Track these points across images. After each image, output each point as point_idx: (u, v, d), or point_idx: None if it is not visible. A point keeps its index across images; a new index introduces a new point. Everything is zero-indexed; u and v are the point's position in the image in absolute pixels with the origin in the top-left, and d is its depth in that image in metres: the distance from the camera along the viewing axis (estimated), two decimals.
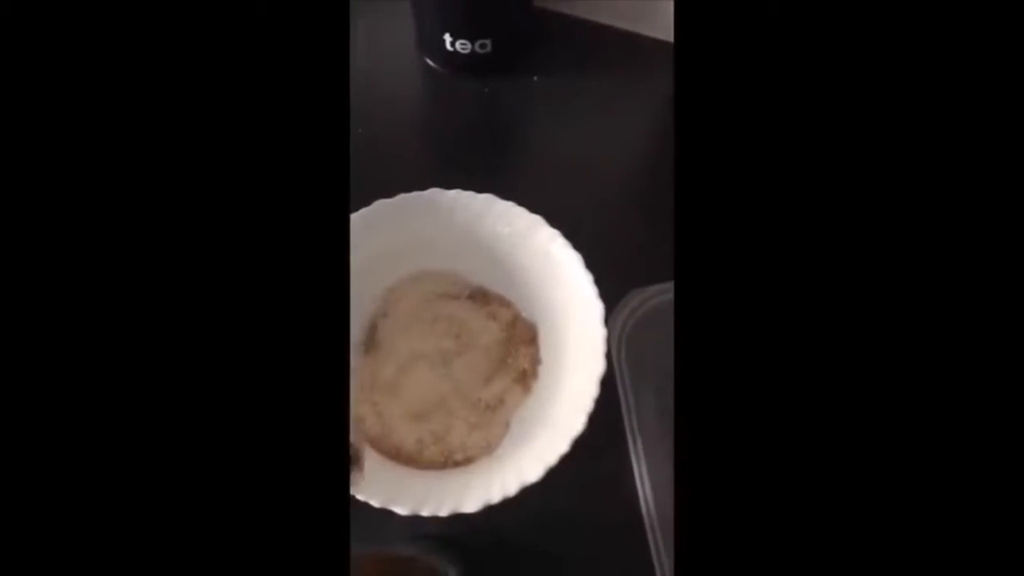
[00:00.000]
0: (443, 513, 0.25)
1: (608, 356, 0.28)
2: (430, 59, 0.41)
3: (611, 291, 0.30)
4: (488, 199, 0.32)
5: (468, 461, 0.29)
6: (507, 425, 0.31)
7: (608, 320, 0.30)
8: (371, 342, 0.32)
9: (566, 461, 0.26)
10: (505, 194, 0.32)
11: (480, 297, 0.34)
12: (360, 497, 0.25)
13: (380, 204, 0.31)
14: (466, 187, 0.32)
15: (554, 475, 0.26)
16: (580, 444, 0.26)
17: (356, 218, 0.31)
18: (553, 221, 0.31)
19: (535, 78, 0.41)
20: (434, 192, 0.32)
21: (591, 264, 0.30)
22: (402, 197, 0.31)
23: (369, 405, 0.31)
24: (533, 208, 0.32)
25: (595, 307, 0.29)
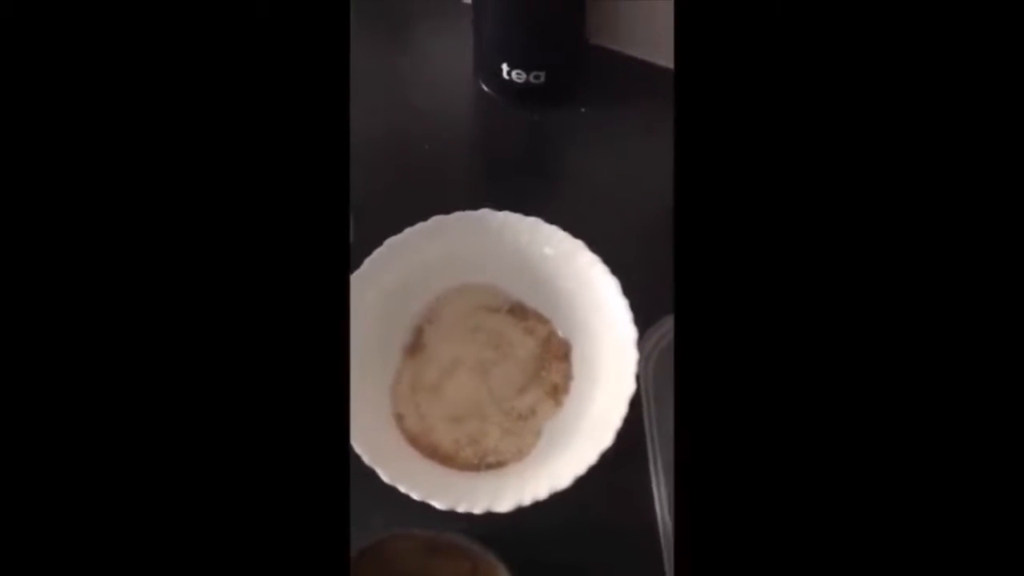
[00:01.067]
0: (477, 511, 0.27)
1: (636, 376, 0.30)
2: (486, 85, 0.44)
3: (645, 315, 0.32)
4: (535, 222, 0.34)
5: (500, 464, 0.32)
6: (538, 434, 0.33)
7: (639, 342, 0.32)
8: (416, 345, 0.35)
9: (591, 472, 0.28)
10: (550, 217, 0.35)
11: (519, 312, 0.36)
12: (402, 489, 0.28)
13: (436, 220, 0.34)
14: (514, 209, 0.34)
15: (579, 485, 0.28)
16: (604, 457, 0.28)
17: (415, 231, 0.33)
18: (594, 246, 0.34)
19: (583, 109, 0.44)
20: (485, 212, 0.34)
21: (628, 289, 0.32)
22: (456, 215, 0.34)
23: (411, 404, 0.33)
24: (576, 233, 0.34)
25: (629, 332, 0.31)
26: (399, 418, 0.33)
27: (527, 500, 0.28)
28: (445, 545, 0.25)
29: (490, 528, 0.28)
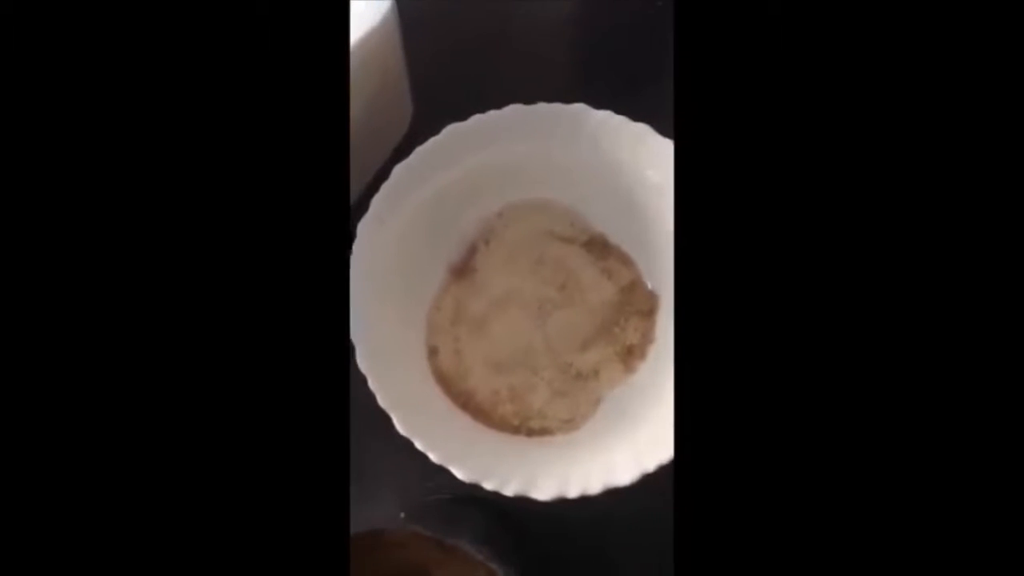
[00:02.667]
0: (508, 492, 0.21)
1: None
2: None
3: None
4: (643, 130, 0.26)
5: (545, 432, 0.25)
6: (598, 402, 0.26)
7: None
8: (466, 267, 0.28)
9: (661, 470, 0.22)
10: (667, 130, 0.26)
11: (599, 247, 0.28)
12: (418, 445, 0.22)
13: (513, 110, 0.26)
14: (621, 111, 0.26)
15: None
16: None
17: (485, 120, 0.26)
18: None
19: None
20: (579, 108, 0.26)
21: None
22: (541, 106, 0.26)
23: (449, 338, 0.27)
24: None
25: None
26: (432, 352, 0.26)
27: (572, 492, 0.21)
28: (451, 547, 0.20)
29: (513, 503, 0.22)
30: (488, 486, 0.21)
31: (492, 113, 0.26)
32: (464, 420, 0.25)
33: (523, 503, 0.21)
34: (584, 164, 0.27)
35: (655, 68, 0.33)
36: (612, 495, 0.21)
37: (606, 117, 0.26)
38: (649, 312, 0.27)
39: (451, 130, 0.26)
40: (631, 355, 0.27)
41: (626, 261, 0.28)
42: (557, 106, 0.26)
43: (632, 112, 0.26)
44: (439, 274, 0.28)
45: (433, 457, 0.22)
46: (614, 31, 0.34)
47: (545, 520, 0.25)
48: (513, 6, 0.33)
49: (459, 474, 0.21)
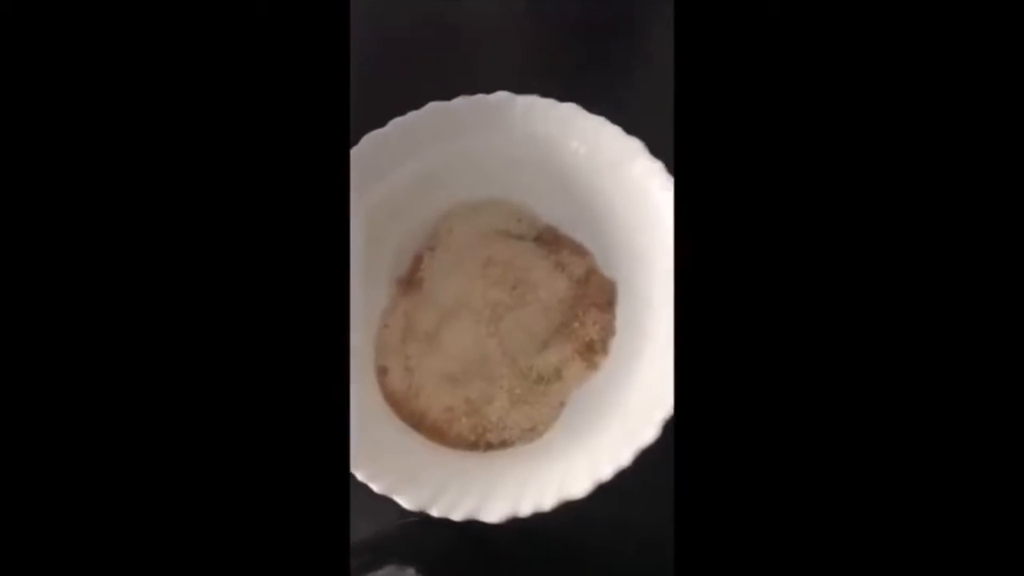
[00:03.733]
0: (456, 517, 0.20)
1: None
2: None
3: None
4: (572, 110, 0.24)
5: (504, 445, 0.24)
6: (562, 406, 0.24)
7: None
8: (412, 280, 0.27)
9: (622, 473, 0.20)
10: (599, 107, 0.24)
11: (550, 241, 0.27)
12: (359, 477, 0.20)
13: (433, 108, 0.24)
14: (550, 94, 0.24)
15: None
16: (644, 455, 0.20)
17: (402, 123, 0.24)
18: (658, 150, 0.23)
19: None
20: (502, 97, 0.24)
21: None
22: (462, 100, 0.24)
23: (400, 356, 0.25)
24: (633, 129, 0.24)
25: None
26: (381, 372, 0.25)
27: (525, 510, 0.20)
28: None
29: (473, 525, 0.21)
30: (435, 513, 0.20)
31: (411, 114, 0.24)
32: (416, 441, 0.23)
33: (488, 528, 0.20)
34: (520, 156, 0.25)
35: (587, 40, 0.31)
36: (597, 504, 0.19)
37: (531, 102, 0.24)
38: (608, 303, 0.25)
39: (372, 137, 0.24)
40: (592, 351, 0.25)
41: (580, 251, 0.26)
42: (478, 97, 0.24)
43: (559, 94, 0.24)
44: (385, 291, 0.26)
45: (375, 488, 0.20)
46: (561, 24, 0.32)
47: (524, 541, 0.24)
48: (463, 3, 0.32)
49: (404, 503, 0.20)
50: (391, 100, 0.25)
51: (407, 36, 0.32)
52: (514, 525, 0.20)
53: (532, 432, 0.24)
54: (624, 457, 0.20)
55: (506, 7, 0.33)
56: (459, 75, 0.28)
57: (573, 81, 0.26)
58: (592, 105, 0.24)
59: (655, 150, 0.23)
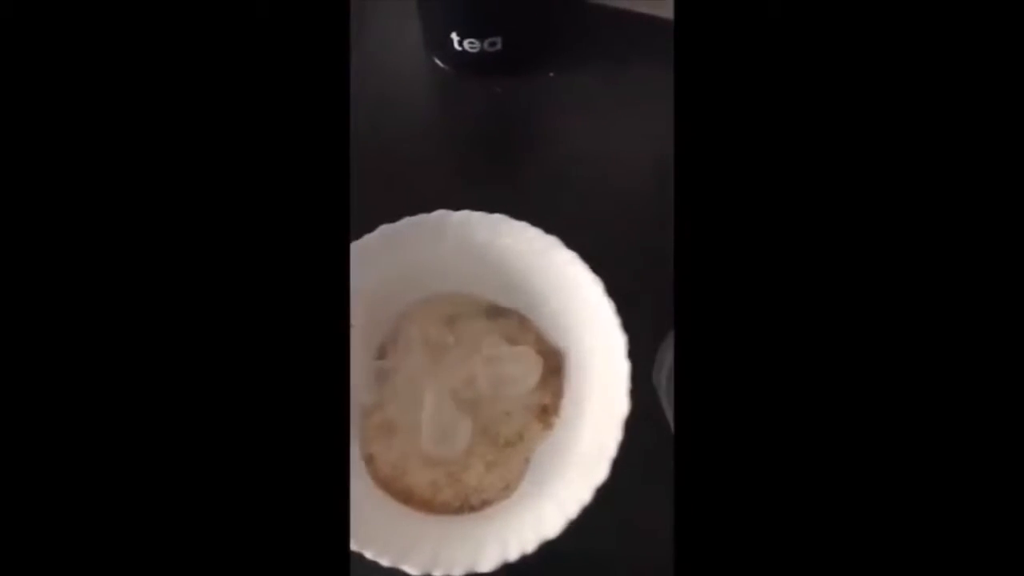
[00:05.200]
0: (457, 573, 0.23)
1: (654, 390, 0.26)
2: (438, 59, 0.39)
3: (657, 319, 0.27)
4: (498, 220, 0.29)
5: (485, 505, 0.28)
6: (526, 461, 0.29)
7: (659, 349, 0.28)
8: (382, 373, 0.31)
9: (600, 502, 0.24)
10: (521, 205, 0.30)
11: (496, 315, 0.31)
12: (368, 555, 0.24)
13: (384, 230, 0.29)
14: (479, 198, 0.30)
15: (587, 515, 0.24)
16: (619, 480, 0.24)
17: (362, 245, 0.29)
18: (575, 237, 0.29)
19: (551, 74, 0.38)
20: (441, 215, 0.29)
21: (619, 289, 0.27)
22: (406, 222, 0.29)
23: (382, 445, 0.29)
24: (552, 222, 0.29)
25: (617, 339, 0.27)
26: (369, 460, 0.29)
27: (513, 555, 0.24)
28: None
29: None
30: (437, 573, 0.23)
31: (366, 237, 0.29)
32: (406, 514, 0.27)
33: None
34: (462, 256, 0.30)
35: (502, 150, 0.37)
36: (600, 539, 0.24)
37: (464, 216, 0.29)
38: (557, 369, 0.30)
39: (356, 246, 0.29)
40: (546, 413, 0.29)
41: (523, 321, 0.31)
42: (420, 218, 0.29)
43: (487, 198, 0.29)
44: (360, 388, 0.30)
45: (384, 562, 0.24)
46: (462, 123, 0.38)
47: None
48: (372, 131, 0.37)
49: (409, 570, 0.24)
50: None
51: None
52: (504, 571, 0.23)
53: (507, 490, 0.28)
54: (585, 496, 0.24)
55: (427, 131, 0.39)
56: (400, 189, 0.33)
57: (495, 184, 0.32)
58: (515, 202, 0.29)
59: (573, 238, 0.29)
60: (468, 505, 0.28)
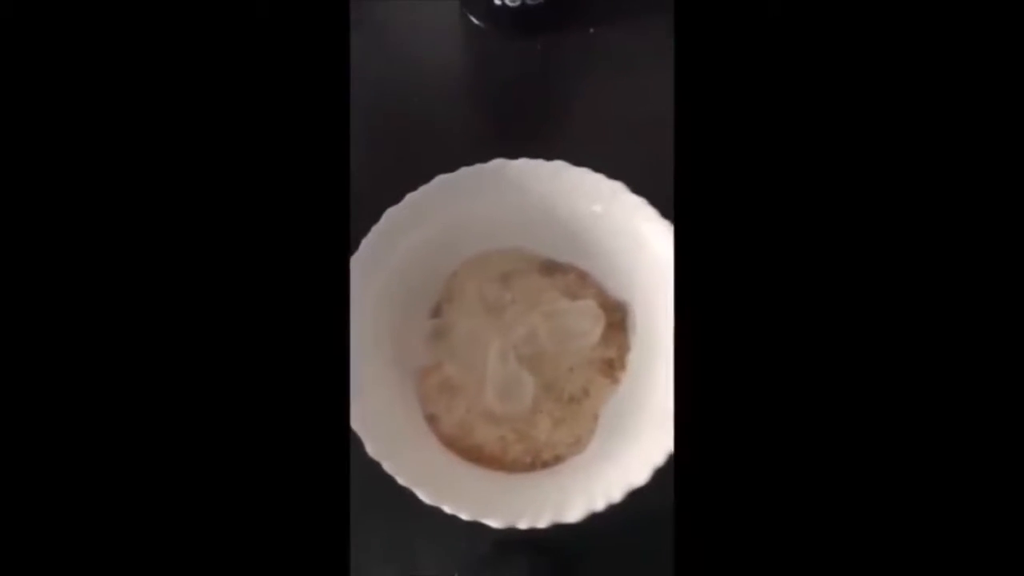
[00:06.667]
0: (542, 524, 0.22)
1: None
2: (474, 17, 0.37)
3: None
4: (560, 167, 0.28)
5: (558, 460, 0.27)
6: (596, 418, 0.28)
7: None
8: (439, 332, 0.29)
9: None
10: (574, 159, 0.29)
11: (552, 270, 0.30)
12: (447, 510, 0.23)
13: (442, 179, 0.28)
14: (530, 154, 0.28)
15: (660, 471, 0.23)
16: None
17: (417, 197, 0.28)
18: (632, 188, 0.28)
19: (591, 30, 0.37)
20: (499, 163, 0.28)
21: None
22: (464, 171, 0.28)
23: (442, 403, 0.28)
24: (606, 174, 0.28)
25: None
26: (431, 419, 0.28)
27: (600, 504, 0.23)
28: None
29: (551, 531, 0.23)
30: (522, 525, 0.22)
31: (422, 188, 0.28)
32: (479, 472, 0.26)
33: (561, 537, 0.23)
34: (519, 209, 0.29)
35: (544, 108, 0.36)
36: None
37: (522, 164, 0.28)
38: (620, 323, 0.29)
39: (389, 214, 0.28)
40: (611, 368, 0.28)
41: (581, 276, 0.30)
42: (479, 167, 0.28)
43: (539, 153, 0.28)
44: (418, 347, 0.29)
45: (463, 516, 0.23)
46: (505, 84, 0.37)
47: (584, 551, 0.26)
48: (412, 90, 0.36)
49: (492, 523, 0.22)
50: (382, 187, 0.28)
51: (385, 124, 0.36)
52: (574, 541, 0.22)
53: (577, 445, 0.27)
54: (670, 444, 0.23)
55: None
56: (437, 151, 0.32)
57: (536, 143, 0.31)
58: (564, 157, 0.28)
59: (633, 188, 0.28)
60: (540, 461, 0.26)
